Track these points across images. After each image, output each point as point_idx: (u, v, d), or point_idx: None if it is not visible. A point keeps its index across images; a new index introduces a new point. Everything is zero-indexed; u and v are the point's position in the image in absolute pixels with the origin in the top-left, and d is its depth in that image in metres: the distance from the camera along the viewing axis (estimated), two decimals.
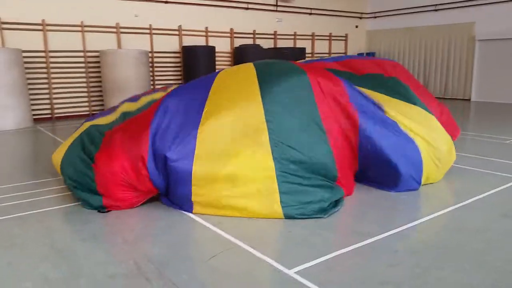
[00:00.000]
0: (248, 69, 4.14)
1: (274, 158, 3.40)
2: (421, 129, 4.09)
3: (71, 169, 3.72)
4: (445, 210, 3.53)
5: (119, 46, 10.28)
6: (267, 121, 3.58)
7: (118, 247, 2.85)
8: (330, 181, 3.58)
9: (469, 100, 13.18)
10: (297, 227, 3.14)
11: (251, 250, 2.76)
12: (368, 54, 15.14)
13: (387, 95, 4.43)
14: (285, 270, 2.48)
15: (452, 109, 10.78)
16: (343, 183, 3.74)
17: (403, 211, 3.51)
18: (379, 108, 4.10)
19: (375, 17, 15.44)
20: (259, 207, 3.29)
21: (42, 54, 9.42)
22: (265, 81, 3.87)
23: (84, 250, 2.81)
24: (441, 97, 13.84)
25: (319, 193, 3.40)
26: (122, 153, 3.48)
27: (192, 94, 3.91)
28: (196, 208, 3.40)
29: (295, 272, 2.46)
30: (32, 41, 9.28)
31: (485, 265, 2.55)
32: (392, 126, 4.01)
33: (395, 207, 3.59)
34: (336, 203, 3.53)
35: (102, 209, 3.52)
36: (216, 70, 5.85)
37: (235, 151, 3.39)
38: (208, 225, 3.20)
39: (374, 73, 4.82)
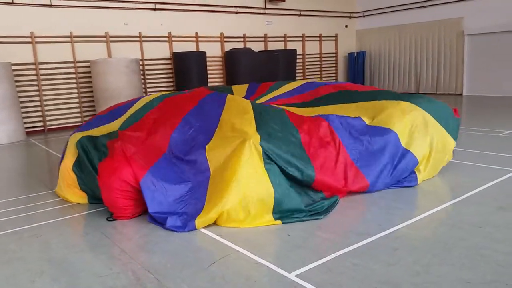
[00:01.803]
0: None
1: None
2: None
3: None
4: (442, 206, 3.53)
5: (109, 55, 10.24)
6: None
7: (116, 258, 2.82)
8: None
9: (461, 94, 13.26)
10: (296, 230, 3.13)
11: (250, 255, 2.75)
12: (358, 53, 15.21)
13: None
14: (286, 274, 2.47)
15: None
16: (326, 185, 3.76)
17: (401, 209, 3.51)
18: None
19: (364, 16, 15.51)
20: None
21: (32, 66, 9.37)
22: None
23: (82, 262, 2.78)
24: (433, 93, 13.92)
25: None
26: (126, 164, 3.51)
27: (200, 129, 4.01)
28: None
29: (295, 276, 2.44)
30: (22, 53, 9.23)
31: (485, 260, 2.55)
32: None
33: (393, 206, 3.59)
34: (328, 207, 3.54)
35: (110, 217, 3.54)
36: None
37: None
38: (206, 232, 3.18)
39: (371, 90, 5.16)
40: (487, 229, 3.02)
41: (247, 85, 6.57)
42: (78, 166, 3.97)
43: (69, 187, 4.06)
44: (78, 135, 4.17)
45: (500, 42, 12.29)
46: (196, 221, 3.19)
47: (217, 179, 3.44)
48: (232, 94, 6.15)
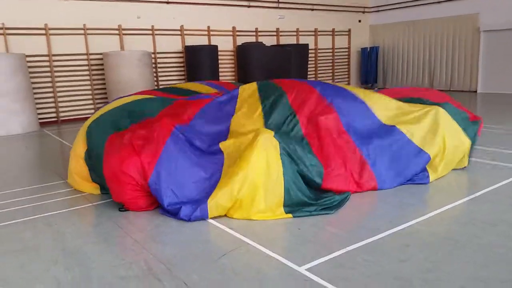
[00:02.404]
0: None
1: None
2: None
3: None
4: (455, 203, 3.50)
5: (122, 47, 10.29)
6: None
7: (129, 249, 2.85)
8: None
9: (475, 92, 13.08)
10: (306, 225, 3.13)
11: (261, 248, 2.76)
12: (371, 48, 15.06)
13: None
14: (296, 268, 2.47)
15: (459, 101, 10.69)
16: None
17: (413, 205, 3.48)
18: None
19: (378, 11, 15.34)
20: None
21: (46, 58, 9.46)
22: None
23: (95, 252, 2.81)
24: (447, 89, 13.74)
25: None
26: (135, 157, 3.52)
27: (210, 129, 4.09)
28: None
29: (306, 269, 2.45)
30: (36, 45, 9.32)
31: (498, 258, 2.52)
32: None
33: (404, 202, 3.57)
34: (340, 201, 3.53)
35: (122, 208, 3.57)
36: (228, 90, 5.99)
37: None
38: (217, 224, 3.19)
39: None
40: (501, 227, 2.98)
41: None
42: (89, 156, 4.00)
43: (82, 178, 4.11)
44: (88, 121, 4.25)
45: None
46: (208, 204, 3.22)
47: (231, 167, 3.49)
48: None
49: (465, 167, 4.43)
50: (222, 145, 3.82)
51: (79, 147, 4.12)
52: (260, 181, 3.30)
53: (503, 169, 4.43)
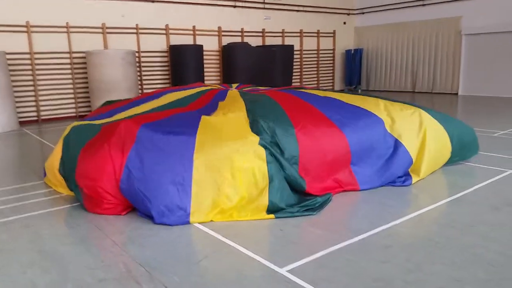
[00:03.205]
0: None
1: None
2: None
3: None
4: (436, 205, 3.54)
5: (105, 46, 10.16)
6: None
7: (108, 251, 2.80)
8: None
9: (456, 94, 13.29)
10: (288, 226, 3.13)
11: (242, 249, 2.74)
12: (356, 50, 15.18)
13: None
14: (277, 269, 2.46)
15: (440, 103, 10.88)
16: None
17: (394, 207, 3.51)
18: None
19: (363, 13, 15.48)
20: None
21: (27, 56, 9.27)
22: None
23: (73, 254, 2.75)
24: (429, 92, 13.95)
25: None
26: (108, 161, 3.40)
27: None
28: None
29: (287, 271, 2.44)
30: (17, 42, 9.12)
31: (475, 259, 2.56)
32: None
33: (386, 203, 3.59)
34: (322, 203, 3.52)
35: None
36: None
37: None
38: (199, 226, 3.16)
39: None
40: (480, 228, 3.02)
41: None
42: (63, 167, 3.86)
43: (59, 185, 4.02)
44: (70, 127, 4.14)
45: (497, 43, 12.31)
46: (190, 216, 3.16)
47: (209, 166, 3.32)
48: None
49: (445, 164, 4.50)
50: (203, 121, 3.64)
51: (54, 155, 4.00)
52: (245, 194, 3.27)
53: (482, 171, 4.51)
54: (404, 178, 4.04)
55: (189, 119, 3.86)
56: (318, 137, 3.79)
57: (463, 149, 4.60)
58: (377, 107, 4.32)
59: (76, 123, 4.26)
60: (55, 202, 3.81)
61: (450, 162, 4.56)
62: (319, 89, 5.25)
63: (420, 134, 4.13)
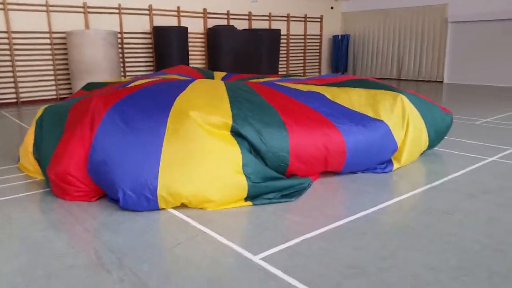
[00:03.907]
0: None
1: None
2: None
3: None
4: (414, 192, 3.54)
5: (86, 26, 9.89)
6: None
7: (79, 237, 2.73)
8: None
9: (441, 82, 13.36)
10: (265, 212, 3.09)
11: (217, 237, 2.70)
12: (343, 36, 15.10)
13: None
14: (251, 257, 2.43)
15: (426, 91, 10.91)
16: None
17: (372, 193, 3.50)
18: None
19: None
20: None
21: (5, 35, 8.98)
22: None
23: (43, 240, 2.68)
24: (414, 79, 13.98)
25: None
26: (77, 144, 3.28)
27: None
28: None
29: (260, 259, 2.40)
30: None
31: (450, 246, 2.56)
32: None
33: (364, 190, 3.58)
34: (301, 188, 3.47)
35: None
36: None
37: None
38: (173, 212, 3.11)
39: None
40: (456, 216, 3.03)
41: (225, 73, 6.45)
42: (36, 150, 3.72)
43: (33, 169, 3.91)
44: (42, 109, 4.01)
45: (483, 31, 12.35)
46: (158, 197, 3.04)
47: (178, 148, 3.19)
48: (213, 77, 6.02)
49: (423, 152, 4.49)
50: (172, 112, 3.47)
51: (28, 137, 3.88)
52: (218, 170, 3.19)
53: (462, 159, 4.52)
54: (385, 165, 4.03)
55: (162, 94, 3.75)
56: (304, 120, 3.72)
57: (438, 138, 4.60)
58: (359, 102, 4.21)
59: (49, 105, 4.13)
60: (28, 187, 3.71)
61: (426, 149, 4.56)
62: (304, 80, 5.04)
63: (404, 121, 4.10)
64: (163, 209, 3.14)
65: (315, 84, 4.71)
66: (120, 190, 3.02)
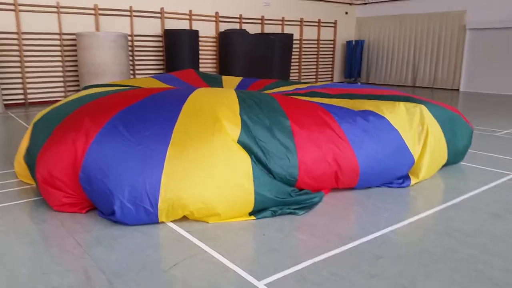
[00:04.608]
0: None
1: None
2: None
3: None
4: (433, 210, 3.27)
5: (97, 28, 9.79)
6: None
7: (69, 253, 2.52)
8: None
9: (458, 90, 12.99)
10: (272, 229, 2.86)
11: (218, 257, 2.47)
12: (357, 42, 14.82)
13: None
14: (255, 282, 2.20)
15: (441, 99, 10.57)
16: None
17: (387, 211, 3.24)
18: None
19: (366, 3, 15.08)
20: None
21: (15, 36, 8.91)
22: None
23: (28, 255, 2.48)
24: (429, 87, 13.64)
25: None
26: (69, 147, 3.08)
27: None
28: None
29: (265, 284, 2.17)
30: (4, 22, 8.76)
31: (479, 276, 2.29)
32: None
33: (379, 206, 3.32)
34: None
35: None
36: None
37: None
38: (173, 226, 2.89)
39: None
40: (480, 239, 2.76)
41: (240, 78, 6.21)
42: (28, 154, 3.48)
43: (24, 174, 3.72)
44: (42, 113, 3.82)
45: (501, 39, 11.98)
46: (158, 210, 2.82)
47: (183, 156, 2.98)
48: (221, 85, 5.80)
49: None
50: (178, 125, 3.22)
51: (24, 144, 3.67)
52: (225, 190, 2.95)
53: (483, 174, 4.24)
54: (402, 180, 3.77)
55: (170, 102, 3.55)
56: (314, 130, 3.47)
57: (456, 155, 4.30)
58: (378, 108, 3.95)
59: (47, 109, 3.96)
60: (23, 194, 3.53)
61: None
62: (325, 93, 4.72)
63: (422, 133, 3.83)
64: (162, 222, 2.92)
65: (333, 95, 4.42)
66: (117, 201, 2.80)
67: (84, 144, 3.02)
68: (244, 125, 3.22)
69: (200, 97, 3.66)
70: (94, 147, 3.00)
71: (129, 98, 3.59)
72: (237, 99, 3.62)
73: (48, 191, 3.07)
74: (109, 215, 2.88)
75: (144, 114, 3.30)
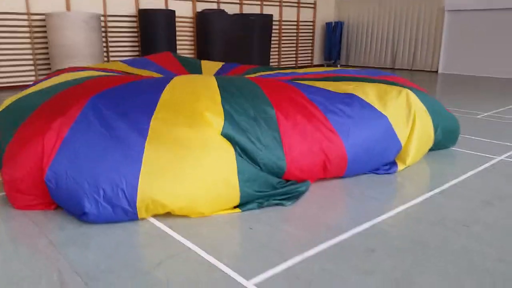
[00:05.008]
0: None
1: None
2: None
3: None
4: (423, 197, 3.19)
5: (67, 8, 9.31)
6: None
7: (41, 254, 2.33)
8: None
9: (436, 72, 13.05)
10: (260, 223, 2.72)
11: (204, 254, 2.32)
12: (336, 23, 14.65)
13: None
14: (243, 281, 2.06)
15: (420, 81, 10.59)
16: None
17: (378, 199, 3.15)
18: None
19: None
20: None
21: None
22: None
23: None
24: (408, 68, 13.66)
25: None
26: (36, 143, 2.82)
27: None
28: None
29: (254, 284, 2.04)
30: None
31: (474, 267, 2.22)
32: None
33: (368, 195, 3.23)
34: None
35: None
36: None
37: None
38: (155, 222, 2.71)
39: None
40: (474, 228, 2.70)
41: (220, 64, 5.98)
42: None
43: None
44: (8, 100, 3.54)
45: (480, 20, 12.03)
46: (137, 210, 2.64)
47: (165, 149, 2.81)
48: (200, 71, 5.58)
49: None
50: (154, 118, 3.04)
51: None
52: (211, 177, 2.79)
53: (469, 158, 4.20)
54: (388, 166, 3.68)
55: (146, 91, 3.33)
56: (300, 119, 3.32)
57: (444, 140, 4.24)
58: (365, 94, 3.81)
59: (14, 97, 3.68)
60: None
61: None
62: (303, 75, 4.58)
63: (410, 117, 3.73)
64: (142, 218, 2.74)
65: (316, 79, 4.28)
66: (92, 200, 2.60)
67: (55, 141, 2.78)
68: (228, 116, 3.05)
69: (179, 86, 3.45)
70: (66, 144, 2.77)
71: (102, 87, 3.34)
72: (218, 88, 3.43)
73: (12, 195, 2.84)
74: (81, 216, 2.66)
75: (119, 106, 3.07)
